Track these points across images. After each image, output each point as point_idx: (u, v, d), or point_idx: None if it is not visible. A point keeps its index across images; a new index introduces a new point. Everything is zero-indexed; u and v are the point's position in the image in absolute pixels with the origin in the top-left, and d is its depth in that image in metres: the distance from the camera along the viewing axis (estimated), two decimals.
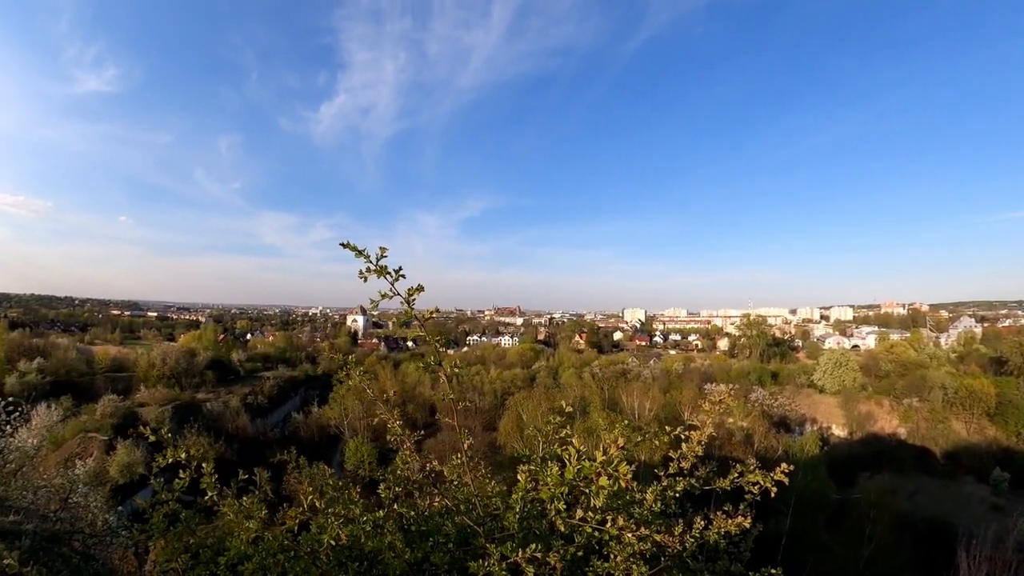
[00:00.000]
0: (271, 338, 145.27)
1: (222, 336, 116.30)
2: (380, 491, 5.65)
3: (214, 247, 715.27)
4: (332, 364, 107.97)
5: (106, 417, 50.83)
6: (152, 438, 5.26)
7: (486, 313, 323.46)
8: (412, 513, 5.21)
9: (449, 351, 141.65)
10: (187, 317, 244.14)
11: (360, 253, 4.15)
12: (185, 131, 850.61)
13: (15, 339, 79.74)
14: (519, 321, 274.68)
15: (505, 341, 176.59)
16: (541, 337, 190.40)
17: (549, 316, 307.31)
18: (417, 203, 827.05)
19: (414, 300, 4.59)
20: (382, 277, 4.19)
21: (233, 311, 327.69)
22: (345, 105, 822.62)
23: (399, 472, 5.89)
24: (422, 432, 63.62)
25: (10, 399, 15.84)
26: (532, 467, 4.66)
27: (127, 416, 52.19)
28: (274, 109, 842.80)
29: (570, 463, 4.19)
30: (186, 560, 4.58)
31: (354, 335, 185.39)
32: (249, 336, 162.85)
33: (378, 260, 4.16)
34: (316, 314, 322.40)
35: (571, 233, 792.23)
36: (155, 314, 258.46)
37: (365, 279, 4.16)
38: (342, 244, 4.20)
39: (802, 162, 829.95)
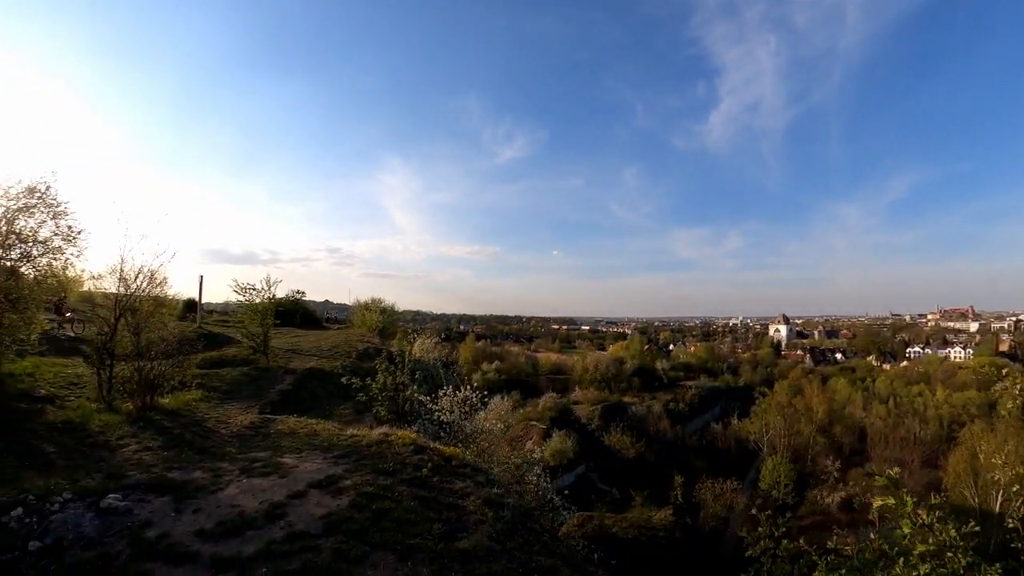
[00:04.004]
0: (692, 348, 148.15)
1: (647, 346, 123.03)
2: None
3: (634, 267, 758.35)
4: (754, 376, 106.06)
5: (546, 410, 59.34)
6: None
7: (928, 317, 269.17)
8: None
9: (885, 366, 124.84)
10: (615, 329, 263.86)
11: None
12: (592, 172, 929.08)
13: (479, 347, 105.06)
14: (973, 327, 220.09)
15: (955, 353, 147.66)
16: (1004, 348, 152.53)
17: (1015, 319, 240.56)
18: (831, 193, 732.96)
19: None
20: None
21: (656, 323, 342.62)
22: (732, 108, 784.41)
23: None
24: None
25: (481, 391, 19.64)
26: None
27: (563, 411, 60.27)
28: (665, 132, 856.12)
29: None
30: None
31: (777, 346, 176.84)
32: (671, 347, 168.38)
33: None
34: (736, 324, 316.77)
35: None
36: (587, 327, 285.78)
37: None
38: None
39: None
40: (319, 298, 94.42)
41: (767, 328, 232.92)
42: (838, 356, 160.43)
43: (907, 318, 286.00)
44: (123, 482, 9.17)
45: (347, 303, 63.81)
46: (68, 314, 24.98)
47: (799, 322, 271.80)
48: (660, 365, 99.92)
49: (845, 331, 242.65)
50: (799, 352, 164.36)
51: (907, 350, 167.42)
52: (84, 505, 7.97)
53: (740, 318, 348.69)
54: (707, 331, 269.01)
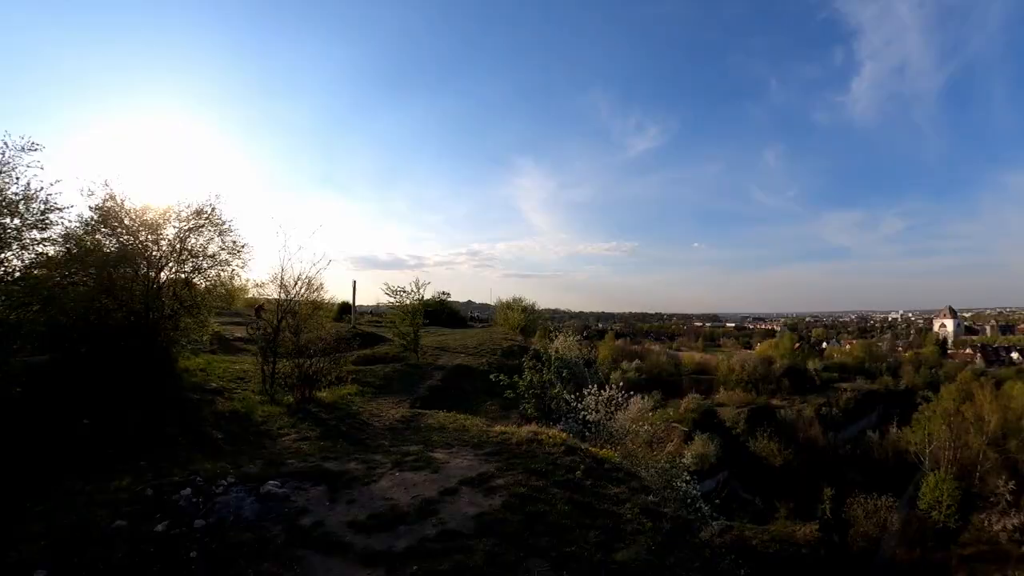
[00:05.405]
0: (848, 347, 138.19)
1: (797, 344, 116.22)
2: None
3: (781, 257, 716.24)
4: (916, 378, 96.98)
5: (688, 411, 57.64)
6: None
7: None
8: None
9: None
10: (762, 326, 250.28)
11: None
12: (729, 156, 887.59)
13: (619, 345, 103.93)
14: None
15: None
16: None
17: None
18: (998, 161, 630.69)
19: None
20: None
21: (807, 319, 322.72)
22: (876, 73, 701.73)
23: None
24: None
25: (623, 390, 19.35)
26: None
27: (706, 413, 58.15)
28: (804, 106, 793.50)
29: None
30: None
31: (943, 343, 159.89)
32: (824, 344, 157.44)
33: None
34: (896, 319, 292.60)
35: None
36: (732, 324, 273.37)
37: None
38: None
39: None
40: (462, 299, 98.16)
41: (931, 323, 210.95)
42: (1014, 356, 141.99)
43: None
44: (282, 469, 9.66)
45: (489, 303, 65.59)
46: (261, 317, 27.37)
47: (968, 315, 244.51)
48: (812, 365, 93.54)
49: (1023, 326, 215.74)
50: (968, 351, 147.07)
51: None
52: (245, 489, 8.46)
53: (900, 312, 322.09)
54: (864, 327, 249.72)
